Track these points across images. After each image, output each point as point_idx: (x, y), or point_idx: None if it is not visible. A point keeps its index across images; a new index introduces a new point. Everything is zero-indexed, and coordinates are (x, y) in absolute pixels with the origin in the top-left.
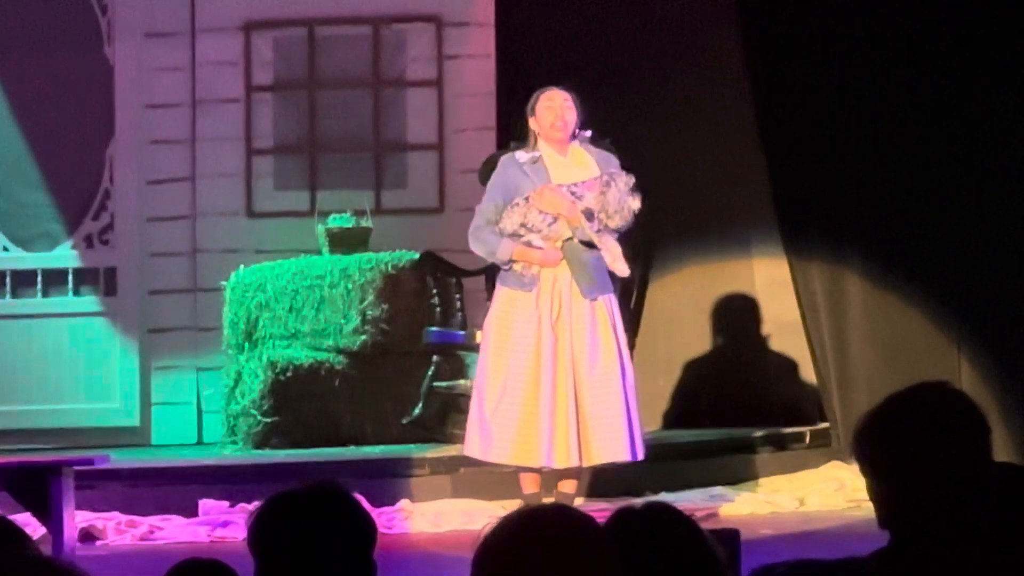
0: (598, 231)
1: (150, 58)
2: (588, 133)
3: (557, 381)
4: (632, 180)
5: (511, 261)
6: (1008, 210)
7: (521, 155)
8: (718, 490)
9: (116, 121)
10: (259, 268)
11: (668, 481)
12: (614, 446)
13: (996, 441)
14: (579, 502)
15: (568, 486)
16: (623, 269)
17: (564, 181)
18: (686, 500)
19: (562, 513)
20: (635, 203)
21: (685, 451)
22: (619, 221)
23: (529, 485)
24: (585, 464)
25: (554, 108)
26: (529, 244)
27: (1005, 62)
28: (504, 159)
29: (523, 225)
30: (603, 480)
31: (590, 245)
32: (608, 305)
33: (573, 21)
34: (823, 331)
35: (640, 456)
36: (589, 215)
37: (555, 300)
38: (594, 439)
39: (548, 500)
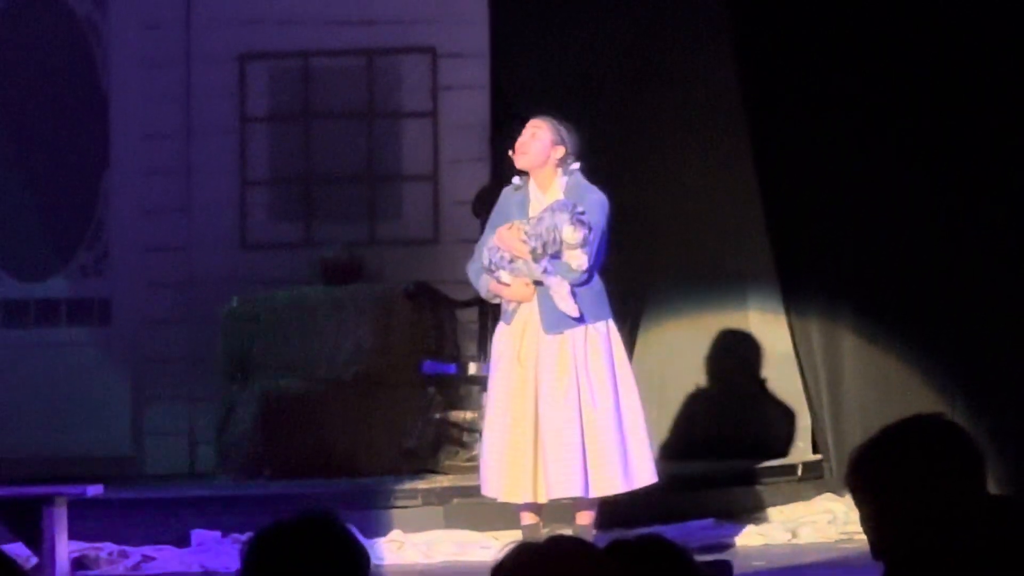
0: (545, 270)
1: (145, 88)
2: (577, 165)
3: (517, 415)
4: (578, 210)
5: (493, 295)
6: (996, 257)
7: (510, 186)
8: (711, 522)
9: (111, 151)
10: (253, 299)
11: (661, 513)
12: (567, 481)
13: (990, 473)
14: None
15: (583, 518)
16: (569, 309)
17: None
18: (679, 532)
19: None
20: (569, 233)
21: (678, 483)
22: (552, 248)
23: (525, 517)
24: (540, 500)
25: (521, 135)
26: (499, 280)
27: (997, 127)
28: (503, 190)
29: (490, 261)
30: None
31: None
32: (586, 336)
33: (568, 53)
34: (816, 363)
35: (635, 485)
36: (536, 255)
37: (523, 334)
38: (548, 474)
39: (563, 530)
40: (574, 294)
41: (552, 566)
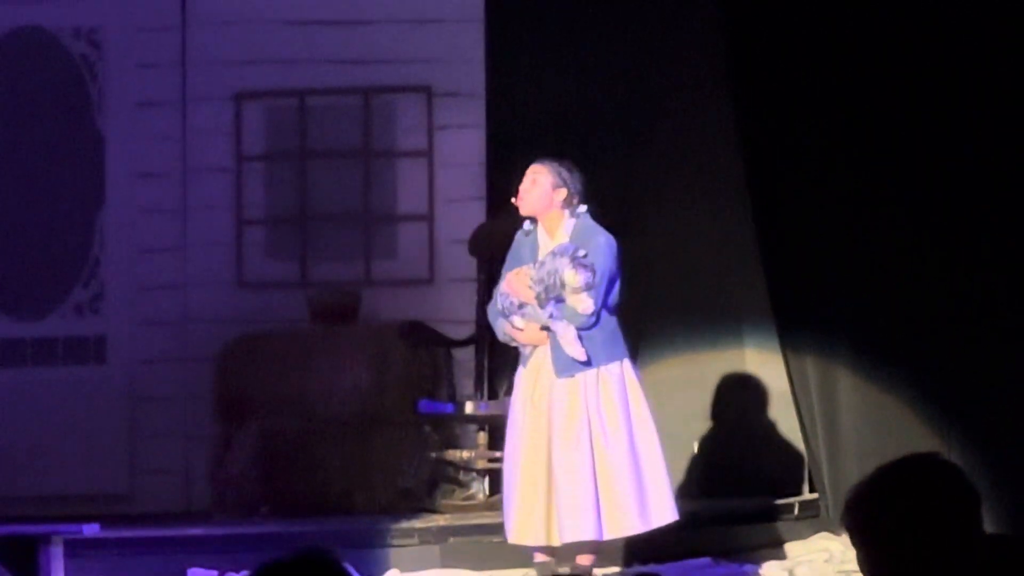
0: (551, 315)
1: (141, 127)
2: (584, 208)
3: (530, 458)
4: (579, 254)
5: (509, 339)
6: (993, 297)
7: (521, 231)
8: (708, 561)
9: (106, 189)
10: (249, 337)
11: (658, 552)
12: (579, 525)
13: (987, 512)
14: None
15: (584, 559)
16: (576, 353)
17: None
18: (677, 571)
19: None
20: (570, 277)
21: (675, 522)
22: (555, 292)
23: (539, 556)
24: (552, 543)
25: (522, 182)
26: (513, 325)
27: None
28: (516, 235)
29: (502, 307)
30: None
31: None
32: (598, 378)
33: (564, 93)
34: (812, 401)
35: (653, 524)
36: (540, 300)
37: (538, 378)
38: (561, 518)
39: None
40: (581, 338)
41: None
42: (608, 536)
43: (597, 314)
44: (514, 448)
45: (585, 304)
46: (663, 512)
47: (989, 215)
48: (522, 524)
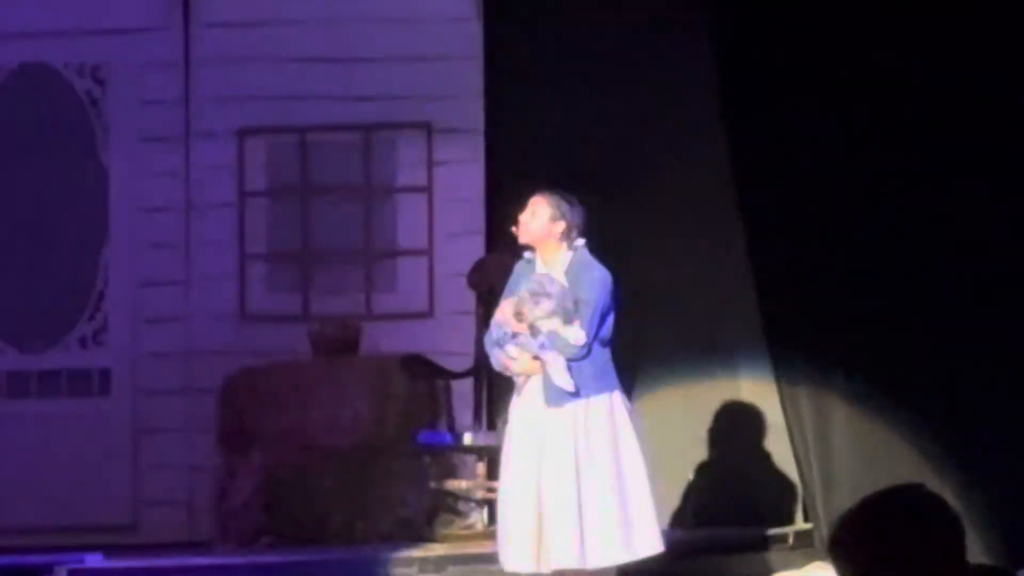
0: (541, 345)
1: (144, 163)
2: (582, 242)
3: (521, 487)
4: (544, 289)
5: (503, 368)
6: (987, 331)
7: (521, 260)
8: None
9: (110, 224)
10: (252, 370)
11: None
12: (566, 552)
13: (974, 544)
14: None
15: None
16: (564, 383)
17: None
18: None
19: None
20: (530, 309)
21: (671, 552)
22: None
23: None
24: (542, 570)
25: (523, 213)
26: (507, 354)
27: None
28: (516, 265)
29: (496, 337)
30: None
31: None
32: (587, 409)
33: (560, 128)
34: (807, 433)
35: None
36: (533, 331)
37: (531, 407)
38: (548, 545)
39: None
40: (571, 368)
41: None
42: (592, 565)
43: (589, 346)
44: (506, 476)
45: (577, 335)
46: (648, 543)
47: (981, 252)
48: (513, 551)
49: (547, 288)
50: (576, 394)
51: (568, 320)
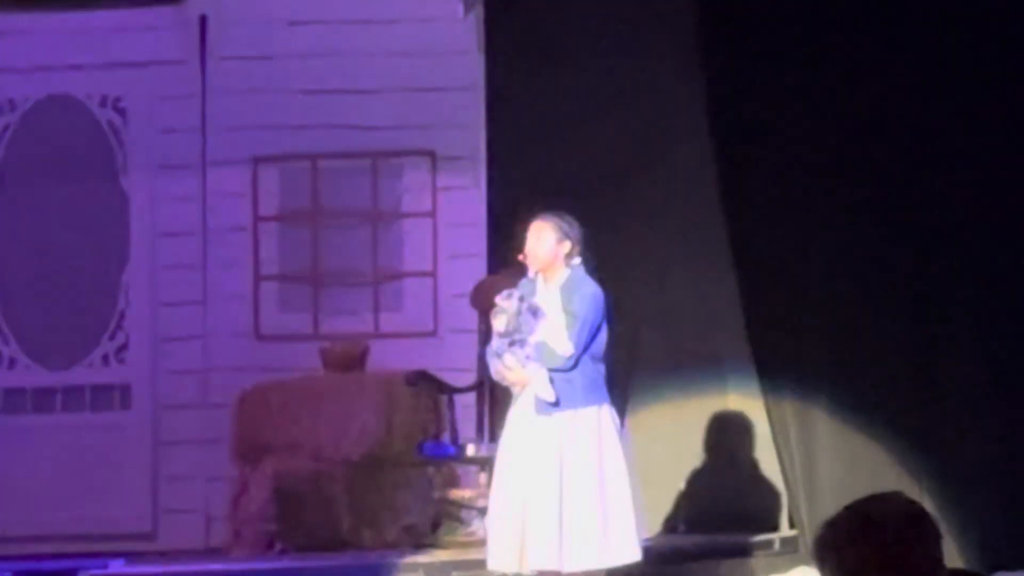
0: (528, 356)
1: (163, 189)
2: (577, 260)
3: (509, 490)
4: (498, 307)
5: (500, 378)
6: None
7: (526, 278)
8: None
9: (131, 247)
10: (265, 385)
11: None
12: (544, 554)
13: (949, 548)
14: None
15: None
16: (545, 394)
17: (545, 306)
18: None
19: None
20: (494, 321)
21: (663, 557)
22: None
23: None
24: (523, 571)
25: (527, 240)
26: (505, 364)
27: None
28: (521, 281)
29: (495, 347)
30: None
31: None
32: (575, 419)
33: (558, 155)
34: (792, 444)
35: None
36: (522, 343)
37: (524, 415)
38: (528, 546)
39: None
40: (554, 380)
41: None
42: (568, 568)
43: (576, 358)
44: (497, 481)
45: (565, 346)
46: (626, 551)
47: (959, 273)
48: (497, 551)
49: (502, 304)
50: (556, 404)
51: (531, 328)
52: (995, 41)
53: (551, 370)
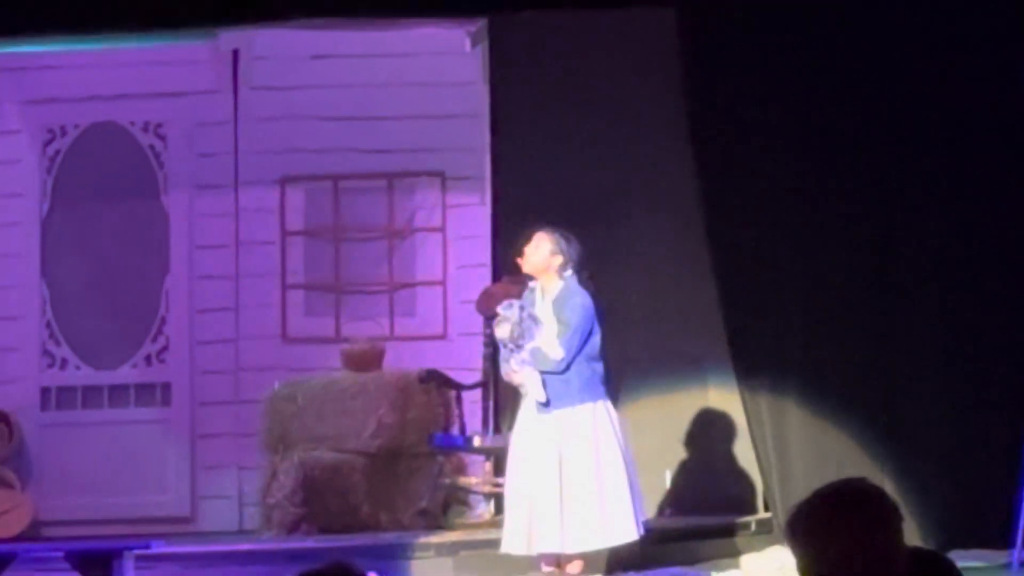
0: (523, 361)
1: (200, 206)
2: (569, 272)
3: (517, 480)
4: (499, 316)
5: (508, 379)
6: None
7: (528, 288)
8: (678, 570)
9: (171, 259)
10: (292, 384)
11: (636, 562)
12: (548, 537)
13: (909, 528)
14: None
15: (573, 567)
16: (537, 395)
17: (541, 316)
18: None
19: None
20: (496, 330)
21: (651, 537)
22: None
23: (545, 565)
24: (531, 552)
25: (528, 246)
26: (512, 367)
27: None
28: (525, 291)
29: (503, 353)
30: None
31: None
32: (573, 415)
33: (555, 176)
34: (766, 434)
35: (614, 542)
36: (520, 348)
37: (530, 412)
38: (533, 531)
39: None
40: (558, 380)
41: None
42: (569, 550)
43: (568, 362)
44: (509, 471)
45: (557, 352)
46: (623, 532)
47: (916, 284)
48: (508, 536)
49: (504, 313)
50: (547, 405)
51: (531, 335)
52: (955, 72)
53: (545, 372)
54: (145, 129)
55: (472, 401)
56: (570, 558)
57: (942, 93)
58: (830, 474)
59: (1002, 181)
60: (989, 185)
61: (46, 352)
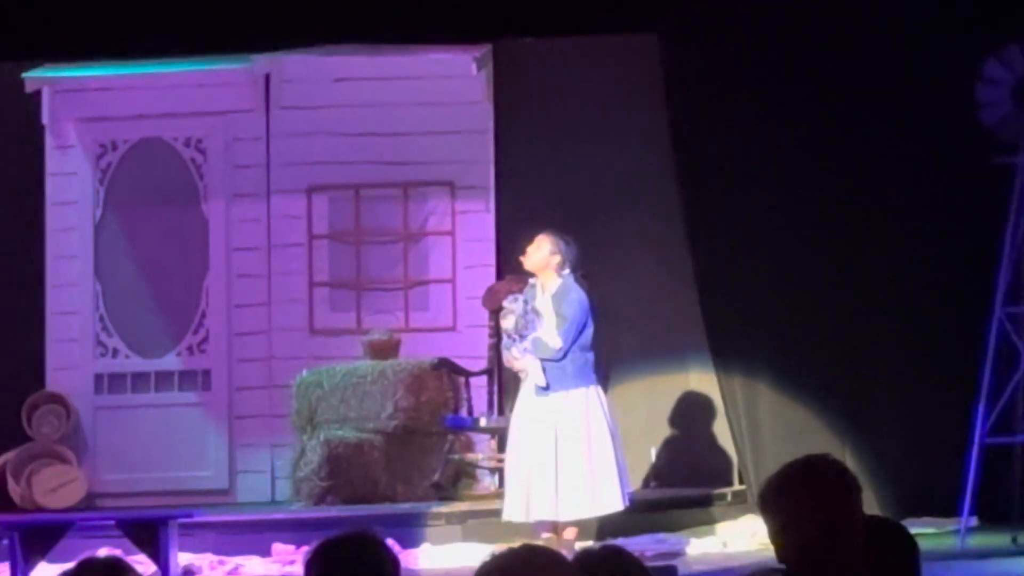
0: (525, 350)
1: (236, 213)
2: (567, 271)
3: (517, 454)
4: (505, 309)
5: (510, 366)
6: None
7: (529, 285)
8: (662, 536)
9: (210, 260)
10: (318, 371)
11: (622, 529)
12: (543, 505)
13: (868, 499)
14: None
15: (568, 533)
16: (537, 380)
17: (541, 309)
18: (636, 544)
19: (540, 552)
20: (503, 321)
21: (636, 506)
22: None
23: (544, 532)
24: (530, 519)
25: (530, 246)
26: (513, 355)
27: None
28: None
29: (506, 343)
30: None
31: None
32: (568, 398)
33: (553, 186)
34: (740, 414)
35: (602, 511)
36: (522, 337)
37: (529, 395)
38: (531, 500)
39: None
40: (554, 367)
41: (525, 569)
42: (563, 517)
43: (565, 351)
44: (509, 447)
45: (555, 341)
46: (611, 502)
47: (877, 283)
48: (509, 505)
49: (509, 306)
50: (547, 388)
51: (533, 326)
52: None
53: (545, 360)
54: (187, 144)
55: (479, 386)
56: (565, 525)
57: (899, 107)
58: (797, 449)
59: (952, 187)
60: (942, 190)
61: (99, 343)
